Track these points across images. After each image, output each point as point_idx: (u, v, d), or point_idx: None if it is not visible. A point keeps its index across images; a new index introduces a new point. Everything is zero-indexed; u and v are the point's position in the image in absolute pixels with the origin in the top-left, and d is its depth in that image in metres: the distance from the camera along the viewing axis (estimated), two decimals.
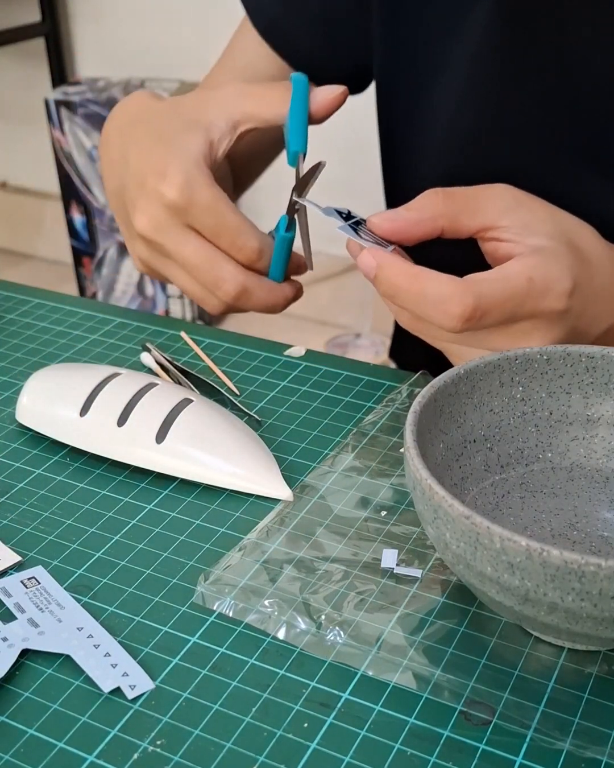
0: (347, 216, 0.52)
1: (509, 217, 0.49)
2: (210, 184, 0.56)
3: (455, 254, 0.53)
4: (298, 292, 0.60)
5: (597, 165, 0.60)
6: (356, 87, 0.74)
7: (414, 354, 0.60)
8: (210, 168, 0.57)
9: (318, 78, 0.71)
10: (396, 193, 0.73)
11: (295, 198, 0.56)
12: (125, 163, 0.59)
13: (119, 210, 0.62)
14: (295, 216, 0.57)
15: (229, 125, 0.59)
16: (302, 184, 0.56)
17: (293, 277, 0.60)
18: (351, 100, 0.76)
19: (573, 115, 0.59)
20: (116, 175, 0.62)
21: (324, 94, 0.58)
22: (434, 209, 0.50)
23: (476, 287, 0.46)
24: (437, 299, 0.46)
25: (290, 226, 0.58)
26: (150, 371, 0.58)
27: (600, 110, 0.58)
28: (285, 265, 0.58)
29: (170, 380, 0.56)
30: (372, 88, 0.73)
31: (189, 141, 0.57)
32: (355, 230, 0.50)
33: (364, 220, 0.51)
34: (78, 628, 0.40)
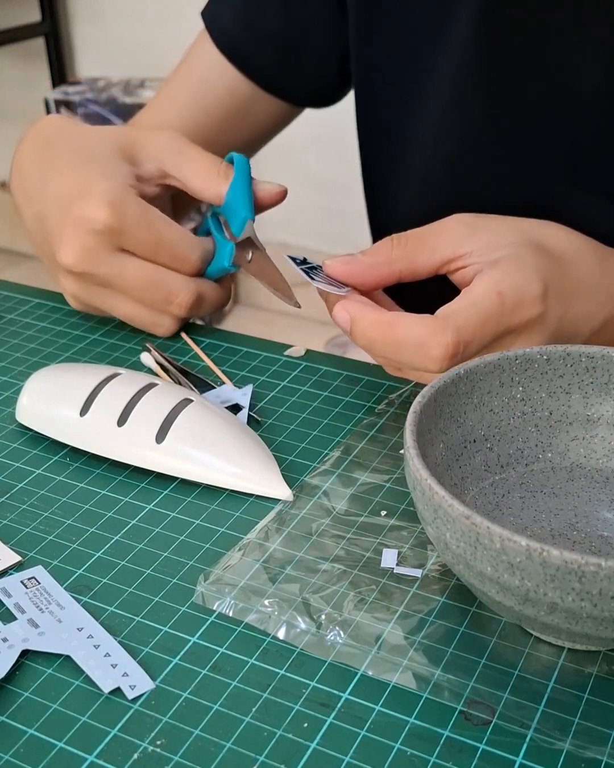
0: (302, 262, 0.53)
1: (468, 243, 0.49)
2: (139, 201, 0.54)
3: (429, 284, 0.52)
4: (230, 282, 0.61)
5: (581, 181, 0.59)
6: (321, 100, 0.72)
7: None
8: (142, 197, 0.56)
9: (277, 91, 0.70)
10: (380, 217, 0.72)
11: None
12: (43, 187, 0.57)
13: (40, 242, 0.59)
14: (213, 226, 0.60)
15: (157, 173, 0.58)
16: (247, 244, 0.57)
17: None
18: (346, 103, 0.76)
19: (556, 132, 0.58)
20: (33, 201, 0.58)
21: (266, 190, 0.58)
22: (388, 253, 0.49)
23: (451, 322, 0.45)
24: (415, 344, 0.45)
25: (212, 213, 0.59)
26: (150, 371, 0.58)
27: (583, 126, 0.57)
28: (229, 258, 0.58)
29: (170, 380, 0.56)
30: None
31: (117, 167, 0.56)
32: (310, 275, 0.51)
33: (320, 267, 0.52)
34: (78, 629, 0.40)
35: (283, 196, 0.58)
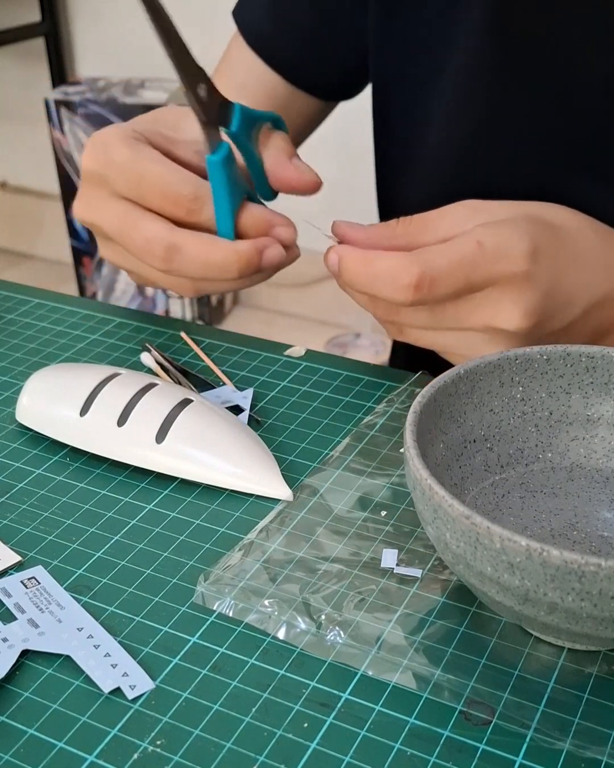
0: None
1: (469, 224, 0.49)
2: (129, 143, 0.50)
3: None
4: (258, 251, 0.50)
5: (590, 170, 0.60)
6: (346, 93, 0.74)
7: (415, 356, 0.60)
8: (142, 141, 0.52)
9: (305, 85, 0.71)
10: (391, 199, 0.73)
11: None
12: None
13: None
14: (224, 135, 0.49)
15: (195, 147, 0.53)
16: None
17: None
18: (347, 103, 0.77)
19: (566, 120, 0.59)
20: None
21: (297, 169, 0.52)
22: (393, 229, 0.49)
23: (422, 256, 0.46)
24: (386, 274, 0.46)
25: (213, 148, 0.48)
26: (150, 371, 0.58)
27: (593, 115, 0.58)
28: (230, 209, 0.49)
29: (170, 380, 0.56)
30: (367, 92, 0.73)
31: (137, 125, 0.54)
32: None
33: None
34: (78, 629, 0.40)
35: (310, 185, 0.53)
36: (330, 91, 0.73)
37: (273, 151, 0.52)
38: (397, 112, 0.67)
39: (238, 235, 0.50)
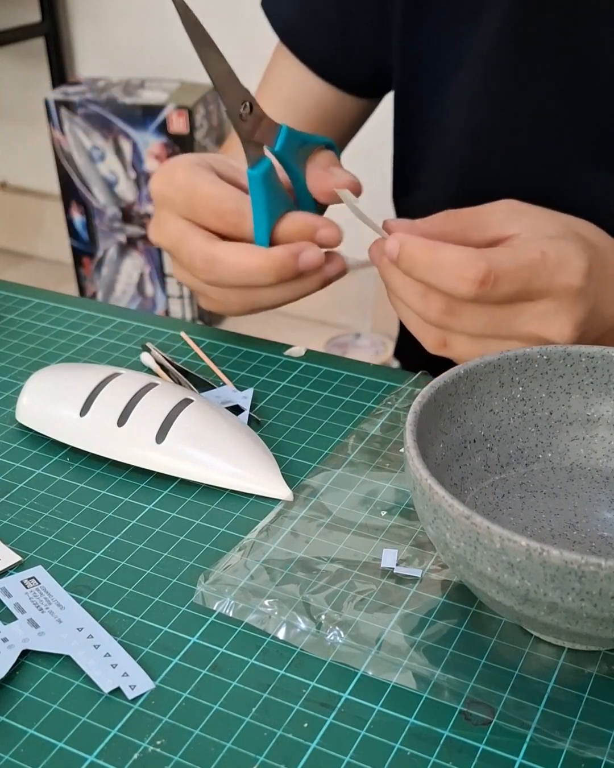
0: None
1: (517, 224, 0.51)
2: (189, 167, 0.53)
3: None
4: (292, 255, 0.52)
5: (607, 164, 0.61)
6: (377, 89, 0.74)
7: (418, 356, 0.60)
8: (201, 167, 0.54)
9: (334, 79, 0.73)
10: (408, 186, 0.74)
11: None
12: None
13: None
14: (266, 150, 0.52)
15: None
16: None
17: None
18: None
19: (586, 112, 0.60)
20: None
21: (336, 176, 0.54)
22: (443, 226, 0.50)
23: (489, 254, 0.47)
24: (451, 265, 0.47)
25: (253, 163, 0.51)
26: (150, 371, 0.58)
27: (611, 109, 0.59)
28: (267, 220, 0.51)
29: (170, 380, 0.56)
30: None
31: (204, 158, 0.56)
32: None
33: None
34: (78, 629, 0.40)
35: (348, 186, 0.53)
36: (362, 87, 0.74)
37: (314, 164, 0.54)
38: (418, 106, 0.69)
39: (278, 243, 0.52)
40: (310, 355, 0.60)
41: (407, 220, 0.51)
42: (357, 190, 0.53)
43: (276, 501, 0.48)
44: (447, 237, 0.50)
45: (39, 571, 0.43)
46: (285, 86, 0.73)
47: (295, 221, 0.53)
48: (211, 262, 0.52)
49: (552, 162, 0.62)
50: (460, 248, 0.47)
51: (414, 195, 0.73)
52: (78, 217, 2.03)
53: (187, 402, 0.50)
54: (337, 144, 0.72)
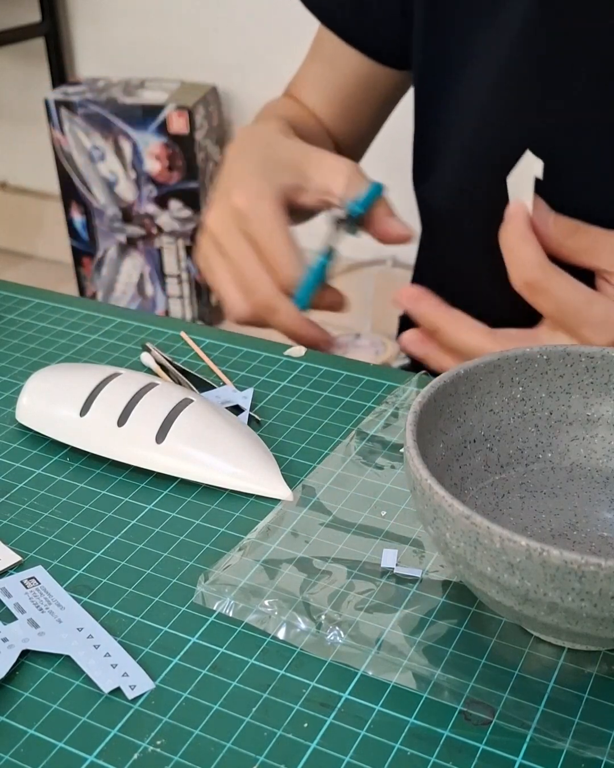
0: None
1: None
2: (274, 205, 0.61)
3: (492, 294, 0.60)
4: (319, 333, 0.62)
5: None
6: (403, 60, 0.76)
7: None
8: (283, 205, 0.62)
9: (355, 41, 0.76)
10: (427, 171, 0.76)
11: (339, 214, 0.62)
12: (227, 174, 0.67)
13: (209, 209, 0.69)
14: (334, 238, 0.62)
15: (321, 188, 0.63)
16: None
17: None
18: None
19: (600, 104, 0.60)
20: (223, 175, 0.68)
21: (389, 228, 0.63)
22: (565, 238, 0.56)
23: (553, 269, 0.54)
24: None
25: (329, 252, 0.62)
26: (150, 371, 0.58)
27: None
28: (312, 291, 0.61)
29: (170, 380, 0.56)
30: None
31: (279, 175, 0.63)
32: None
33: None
34: (78, 629, 0.40)
35: (404, 239, 0.63)
36: (388, 54, 0.76)
37: (379, 210, 0.63)
38: (438, 94, 0.70)
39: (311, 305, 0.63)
40: (310, 355, 0.60)
41: (548, 209, 0.56)
42: (408, 240, 0.63)
43: (276, 501, 0.48)
44: (560, 248, 0.55)
45: (39, 571, 0.43)
46: (325, 51, 0.79)
47: (323, 298, 0.63)
48: (271, 308, 0.61)
49: (571, 158, 0.62)
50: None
51: (433, 180, 0.74)
52: (78, 217, 2.03)
53: (187, 402, 0.50)
54: (376, 117, 0.83)
